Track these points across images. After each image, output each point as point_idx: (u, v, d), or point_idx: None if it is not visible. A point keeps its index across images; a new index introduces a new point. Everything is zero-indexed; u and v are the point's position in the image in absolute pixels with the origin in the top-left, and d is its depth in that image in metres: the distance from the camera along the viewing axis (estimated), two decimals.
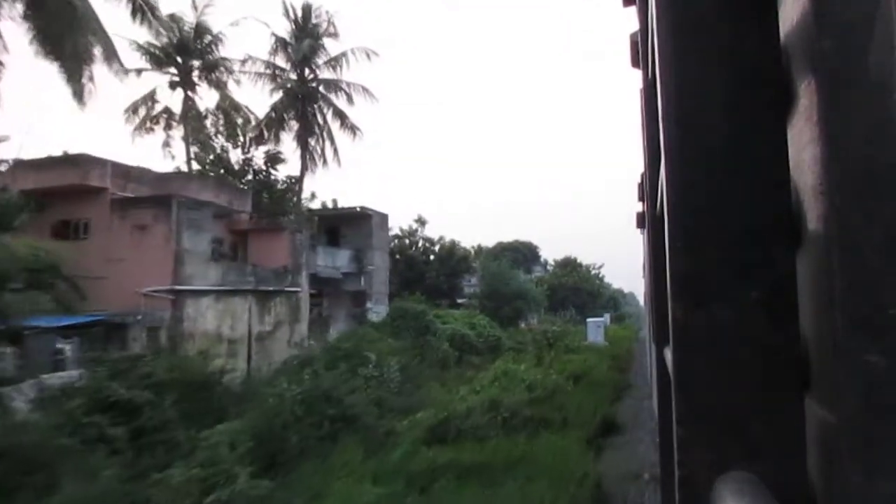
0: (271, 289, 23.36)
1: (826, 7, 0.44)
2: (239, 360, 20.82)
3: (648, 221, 3.08)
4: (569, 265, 64.32)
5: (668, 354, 1.36)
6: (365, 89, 32.23)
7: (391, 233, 44.12)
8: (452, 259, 45.46)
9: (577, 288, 60.37)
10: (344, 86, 32.46)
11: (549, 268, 67.23)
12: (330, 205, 40.16)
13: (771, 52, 0.56)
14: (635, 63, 3.41)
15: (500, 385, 17.43)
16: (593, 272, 67.59)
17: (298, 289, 25.13)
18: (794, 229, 0.54)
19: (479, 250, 58.66)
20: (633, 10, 3.33)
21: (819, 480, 0.50)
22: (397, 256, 41.60)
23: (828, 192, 0.45)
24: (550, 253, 71.32)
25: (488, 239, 70.02)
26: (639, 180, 6.92)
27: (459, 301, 44.93)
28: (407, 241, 44.98)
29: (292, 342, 23.59)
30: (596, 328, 33.53)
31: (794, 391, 0.56)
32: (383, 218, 35.42)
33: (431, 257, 44.66)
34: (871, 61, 0.41)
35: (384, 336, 25.93)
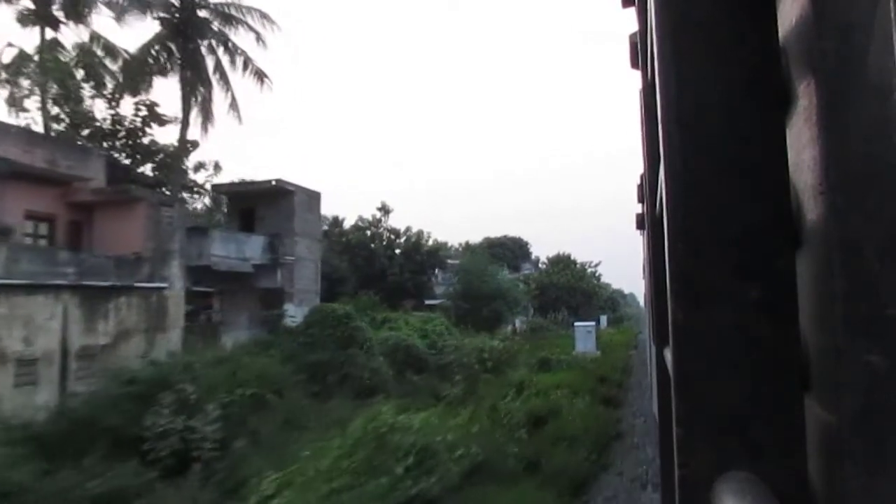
0: (109, 284, 16.32)
1: (825, 8, 0.44)
2: (42, 390, 13.93)
3: (648, 222, 3.08)
4: (561, 262, 58.04)
5: (668, 355, 1.36)
6: (263, 16, 24.73)
7: (348, 223, 38.41)
8: (419, 253, 38.37)
9: (570, 287, 54.51)
10: (234, 11, 24.32)
11: (541, 266, 61.85)
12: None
13: (770, 53, 0.56)
14: (634, 64, 3.41)
15: (352, 463, 8.65)
16: (589, 270, 61.69)
17: (164, 284, 18.19)
18: (793, 230, 0.54)
19: (467, 247, 53.12)
20: (632, 11, 3.33)
21: (819, 481, 0.50)
22: (356, 251, 36.03)
23: (827, 193, 0.45)
24: (546, 251, 66.81)
25: (478, 236, 66.08)
26: (638, 181, 6.92)
27: (430, 302, 38.15)
28: (368, 233, 37.99)
29: (151, 358, 16.31)
30: (586, 335, 27.62)
31: (794, 391, 0.56)
32: (312, 197, 27.07)
33: (398, 251, 37.95)
34: (870, 62, 0.41)
35: (288, 349, 19.11)
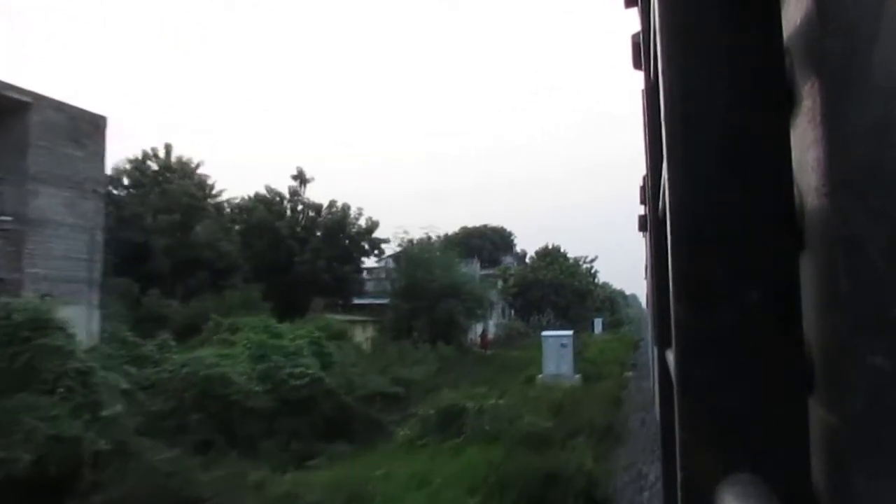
0: None
1: (830, 7, 0.44)
2: None
3: (651, 223, 3.08)
4: (548, 256, 49.99)
5: (671, 357, 1.36)
6: None
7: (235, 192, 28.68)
8: (344, 234, 28.83)
9: (558, 285, 46.09)
10: None
11: (528, 260, 54.10)
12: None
13: (774, 53, 0.56)
14: (637, 64, 3.41)
15: None
16: (584, 266, 54.05)
17: None
18: (797, 230, 0.54)
19: (447, 239, 44.20)
20: (634, 12, 3.34)
21: (823, 483, 0.50)
22: (254, 231, 27.14)
23: (831, 194, 0.45)
24: (537, 246, 56.00)
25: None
26: (641, 182, 6.93)
27: (362, 302, 29.53)
28: (280, 207, 28.36)
29: None
30: (558, 350, 18.56)
31: (797, 393, 0.56)
32: (80, 121, 15.72)
33: (319, 233, 28.43)
34: (875, 61, 0.41)
35: None
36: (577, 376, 18.35)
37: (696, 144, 0.61)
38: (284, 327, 17.42)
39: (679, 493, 0.63)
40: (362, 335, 25.88)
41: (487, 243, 54.10)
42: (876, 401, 0.41)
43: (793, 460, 0.55)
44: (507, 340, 34.68)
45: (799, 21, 0.49)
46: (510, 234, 59.57)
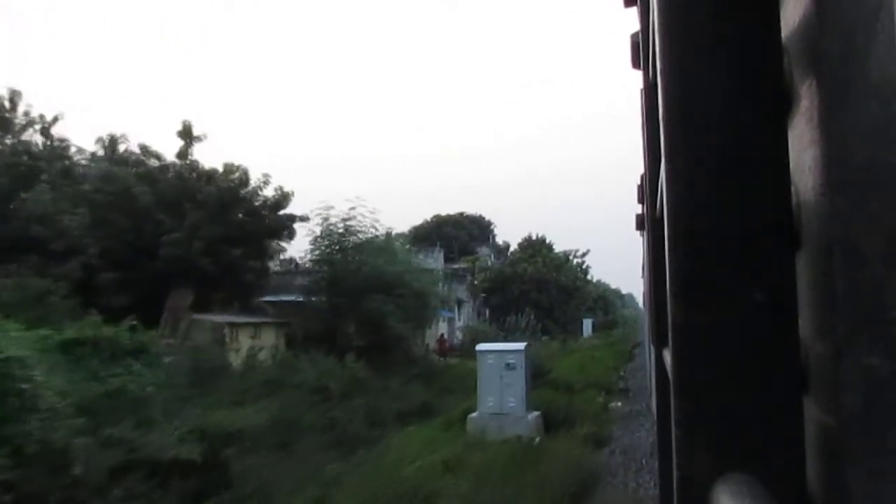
0: None
1: (828, 8, 0.44)
2: None
3: (648, 223, 3.08)
4: (531, 248, 43.00)
5: (668, 356, 1.36)
6: None
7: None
8: (238, 208, 21.53)
9: (542, 280, 39.10)
10: None
11: (510, 254, 47.28)
12: None
13: (773, 53, 0.56)
14: (636, 64, 3.42)
15: None
16: (575, 261, 47.25)
17: None
18: (794, 231, 0.54)
19: (415, 230, 37.98)
20: (632, 11, 3.34)
21: (818, 483, 0.50)
22: (113, 204, 19.95)
23: (829, 194, 0.45)
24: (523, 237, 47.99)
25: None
26: (638, 182, 6.93)
27: (272, 299, 22.60)
28: (157, 172, 21.27)
29: None
30: (502, 372, 11.80)
31: (793, 393, 0.56)
32: None
33: (211, 206, 20.77)
34: (872, 62, 0.41)
35: None
36: (532, 416, 11.51)
37: (694, 144, 0.61)
38: (27, 337, 9.37)
39: (675, 493, 0.63)
40: (248, 344, 18.62)
41: (463, 233, 47.54)
42: (871, 402, 0.41)
43: (788, 460, 0.56)
44: (472, 347, 27.02)
45: (797, 21, 0.49)
46: (489, 223, 51.81)
